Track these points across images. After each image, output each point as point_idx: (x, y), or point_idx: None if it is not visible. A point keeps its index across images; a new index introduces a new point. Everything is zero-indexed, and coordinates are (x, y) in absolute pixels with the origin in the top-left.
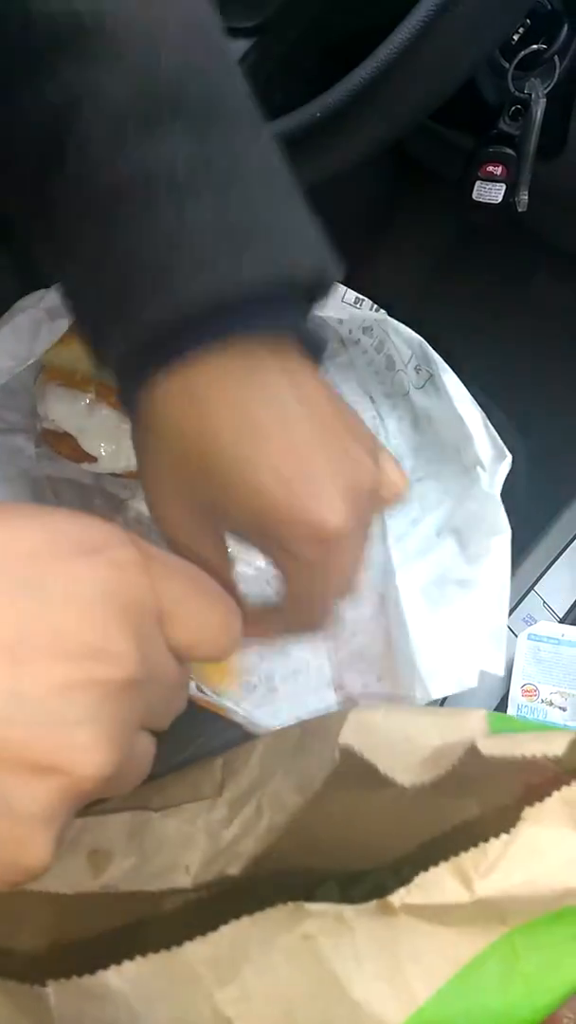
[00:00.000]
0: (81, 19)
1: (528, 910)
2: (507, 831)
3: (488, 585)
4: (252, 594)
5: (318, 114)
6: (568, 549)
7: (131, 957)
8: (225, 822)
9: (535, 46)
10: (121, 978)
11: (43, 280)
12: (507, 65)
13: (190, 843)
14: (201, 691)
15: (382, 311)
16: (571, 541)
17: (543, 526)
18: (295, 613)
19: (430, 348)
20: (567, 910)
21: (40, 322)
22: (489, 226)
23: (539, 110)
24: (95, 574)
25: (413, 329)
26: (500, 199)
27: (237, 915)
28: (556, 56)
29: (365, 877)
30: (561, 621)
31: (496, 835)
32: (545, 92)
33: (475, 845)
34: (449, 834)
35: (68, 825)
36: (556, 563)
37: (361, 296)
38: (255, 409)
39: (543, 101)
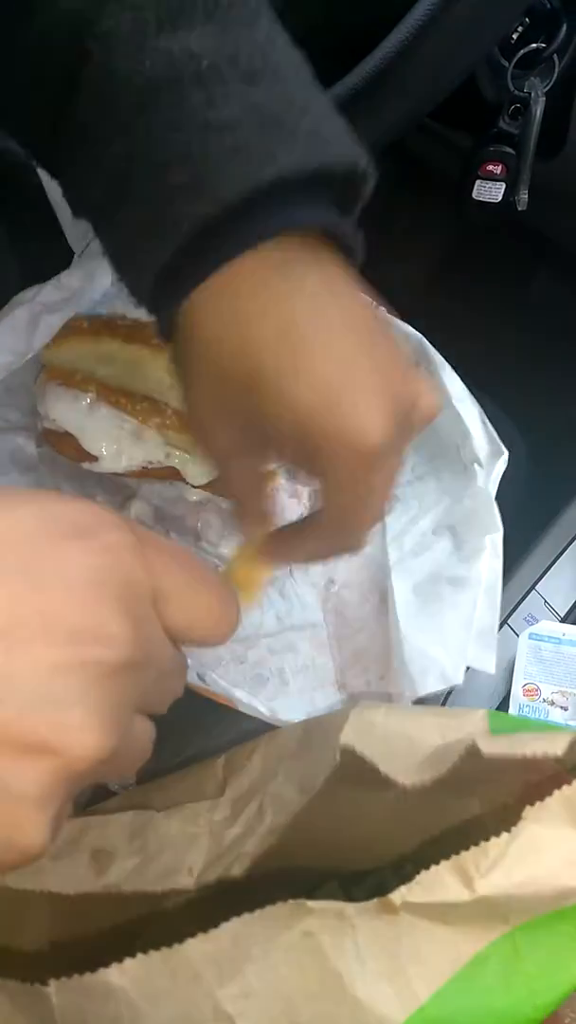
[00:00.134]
0: None
1: (529, 909)
2: (508, 830)
3: (480, 583)
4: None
5: None
6: (569, 548)
7: (132, 955)
8: (228, 822)
9: (534, 45)
10: (122, 976)
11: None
12: (506, 64)
13: (193, 844)
14: (203, 679)
15: (381, 308)
16: (572, 540)
17: (544, 525)
18: (333, 530)
19: (428, 345)
20: (568, 909)
21: (37, 317)
22: (489, 224)
23: (539, 109)
24: (87, 557)
25: (412, 326)
26: (500, 198)
27: (238, 913)
28: (555, 55)
29: (367, 876)
30: (562, 620)
31: (497, 834)
32: (544, 91)
33: (476, 844)
34: (450, 832)
35: (65, 808)
36: (557, 562)
37: None
38: (296, 317)
39: (542, 100)
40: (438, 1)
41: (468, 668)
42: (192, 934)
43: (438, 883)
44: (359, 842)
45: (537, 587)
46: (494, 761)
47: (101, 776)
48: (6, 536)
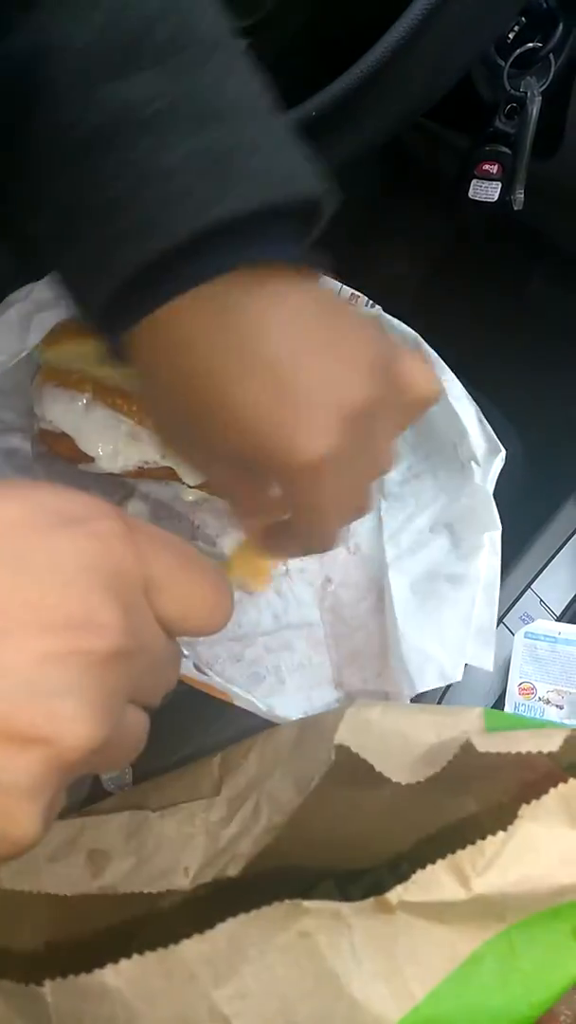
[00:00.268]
0: None
1: (525, 907)
2: (504, 828)
3: (478, 581)
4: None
5: (314, 112)
6: (565, 547)
7: (128, 955)
8: (224, 822)
9: (531, 44)
10: (118, 976)
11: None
12: (503, 63)
13: (189, 844)
14: (200, 670)
15: (378, 307)
16: (568, 539)
17: (540, 524)
18: (299, 534)
19: (425, 344)
20: (564, 906)
21: (30, 315)
22: (485, 224)
23: (535, 108)
24: (77, 545)
25: (408, 325)
26: (496, 197)
27: (234, 913)
28: (551, 54)
29: (363, 875)
30: (558, 619)
31: (493, 832)
32: (541, 90)
33: (472, 842)
34: (446, 831)
35: (58, 799)
36: (553, 561)
37: (357, 293)
38: (233, 345)
39: (539, 99)
40: (434, 1)
41: (466, 666)
42: (188, 934)
43: (434, 882)
44: (355, 841)
45: (533, 586)
46: (489, 759)
47: (94, 767)
48: None
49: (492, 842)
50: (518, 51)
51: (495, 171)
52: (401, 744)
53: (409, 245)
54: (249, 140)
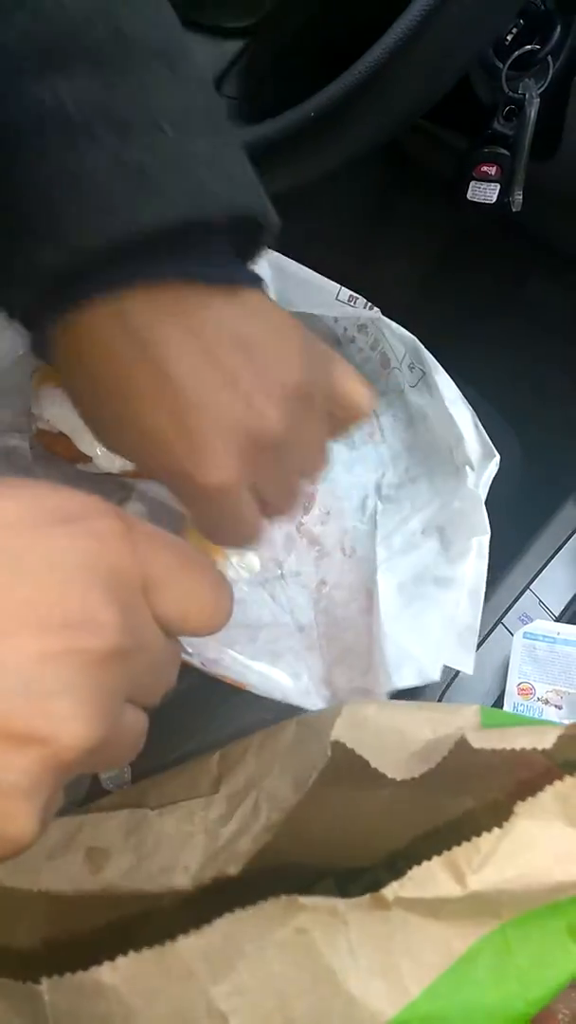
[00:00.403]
0: None
1: (521, 904)
2: (500, 825)
3: (464, 584)
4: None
5: (312, 113)
6: (563, 548)
7: (125, 953)
8: (223, 820)
9: (529, 46)
10: (115, 974)
11: None
12: (501, 65)
13: (188, 842)
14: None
15: (376, 309)
16: (566, 540)
17: (539, 524)
18: (207, 533)
19: (422, 347)
20: (560, 903)
21: None
22: (483, 226)
23: (533, 110)
24: (74, 543)
25: (407, 328)
26: (494, 199)
27: (231, 909)
28: (549, 56)
29: (362, 874)
30: (557, 620)
31: (489, 829)
32: (539, 92)
33: (468, 839)
34: (442, 828)
35: (55, 798)
36: (552, 561)
37: (356, 294)
38: (134, 370)
39: (537, 101)
40: (432, 2)
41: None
42: (185, 931)
43: (430, 878)
44: (353, 839)
45: (532, 586)
46: (484, 755)
47: (92, 766)
48: None
49: (488, 839)
50: (516, 53)
51: (493, 173)
52: (397, 740)
53: (408, 246)
54: (176, 153)
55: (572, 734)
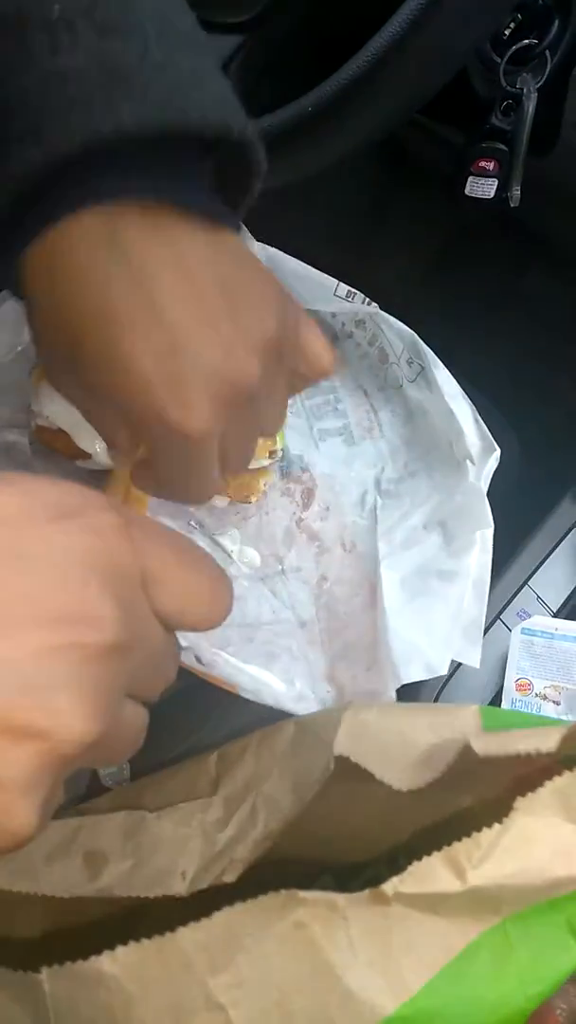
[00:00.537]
0: None
1: (521, 899)
2: (500, 821)
3: (469, 578)
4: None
5: (310, 108)
6: (562, 543)
7: (124, 942)
8: (221, 823)
9: (526, 41)
10: (114, 963)
11: None
12: (499, 60)
13: (186, 846)
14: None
15: (374, 304)
16: (565, 536)
17: (537, 520)
18: (166, 486)
19: (421, 342)
20: (560, 899)
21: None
22: (481, 221)
23: (531, 105)
24: (72, 538)
25: (405, 323)
26: (492, 194)
27: (231, 903)
28: (548, 51)
29: (361, 871)
30: (555, 615)
31: (489, 825)
32: (537, 87)
33: (468, 835)
34: (442, 824)
35: (55, 793)
36: (550, 557)
37: (354, 290)
38: (121, 292)
39: (535, 96)
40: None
41: (460, 663)
42: (185, 923)
43: (430, 874)
44: (353, 835)
45: (530, 582)
46: (487, 759)
47: (92, 761)
48: None
49: (487, 834)
50: (514, 47)
51: (491, 168)
52: (399, 747)
53: (406, 242)
54: (160, 59)
55: (572, 734)
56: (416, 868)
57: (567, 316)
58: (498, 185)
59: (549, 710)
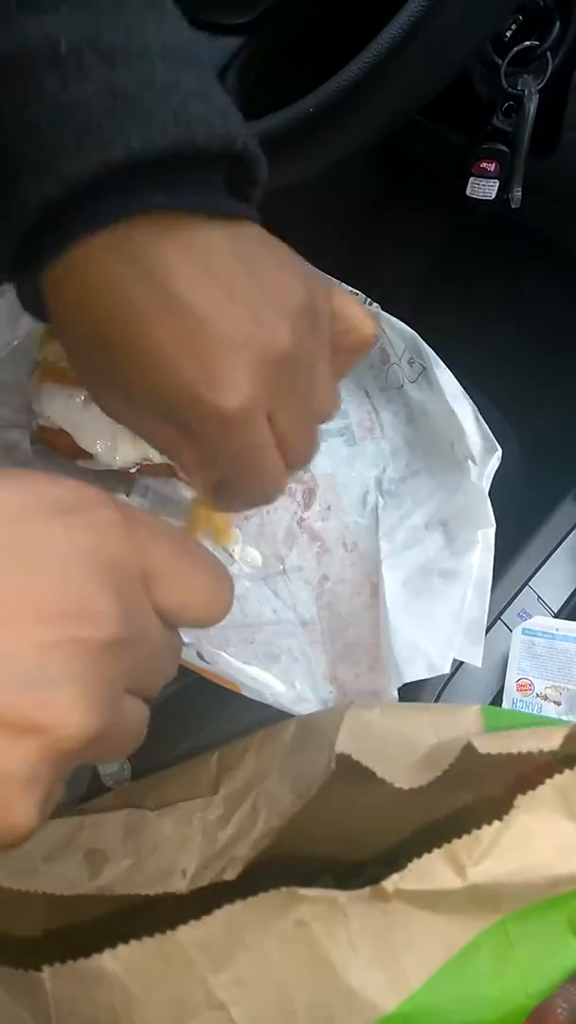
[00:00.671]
0: None
1: (521, 897)
2: (500, 818)
3: (470, 577)
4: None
5: (311, 110)
6: (562, 544)
7: (126, 940)
8: (221, 822)
9: (528, 42)
10: (116, 962)
11: None
12: (500, 61)
13: (187, 844)
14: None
15: (375, 305)
16: (565, 536)
17: (537, 521)
18: (233, 487)
19: (422, 342)
20: (560, 897)
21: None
22: (482, 222)
23: (532, 106)
24: (73, 534)
25: (407, 323)
26: (494, 195)
27: (232, 901)
28: (549, 52)
29: (362, 869)
30: (556, 616)
31: (489, 822)
32: (538, 88)
33: (468, 832)
34: (442, 821)
35: (55, 789)
36: (551, 558)
37: (355, 290)
38: (139, 294)
39: (536, 97)
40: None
41: (461, 663)
42: (186, 921)
43: (430, 871)
44: (353, 834)
45: (531, 583)
46: (490, 759)
47: (92, 757)
48: None
49: (488, 832)
50: (515, 49)
51: (492, 169)
52: (402, 746)
53: (407, 243)
54: (164, 81)
55: (573, 734)
56: (416, 865)
57: (568, 316)
58: (499, 186)
59: (550, 710)
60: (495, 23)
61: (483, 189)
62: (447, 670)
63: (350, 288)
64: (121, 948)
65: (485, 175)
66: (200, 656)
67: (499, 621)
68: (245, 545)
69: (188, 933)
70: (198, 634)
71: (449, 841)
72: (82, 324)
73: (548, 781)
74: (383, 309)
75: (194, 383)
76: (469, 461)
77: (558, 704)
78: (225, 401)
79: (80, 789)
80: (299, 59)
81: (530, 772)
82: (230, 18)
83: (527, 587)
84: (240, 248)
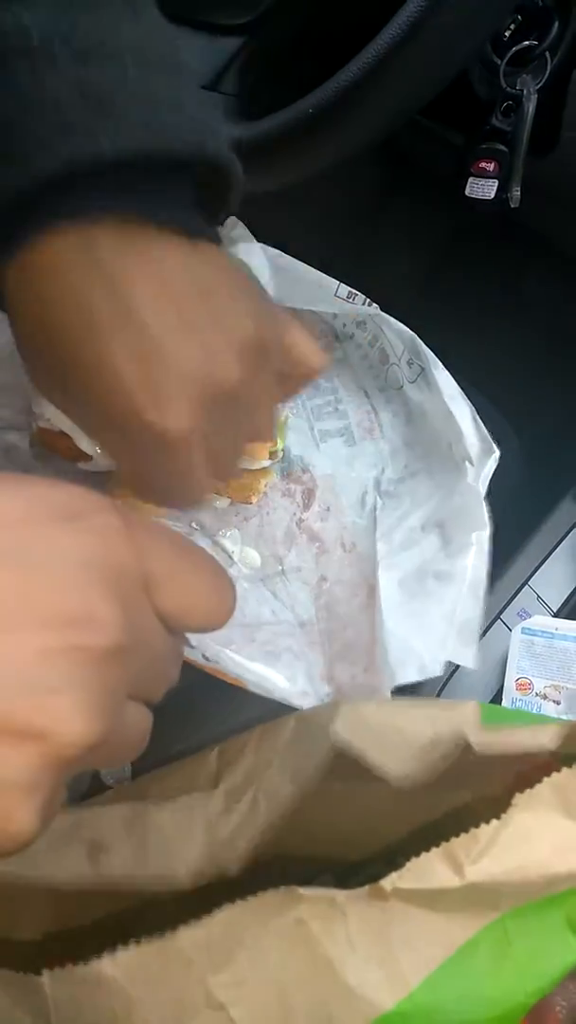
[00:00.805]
0: None
1: (519, 895)
2: (498, 817)
3: (465, 579)
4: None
5: (311, 110)
6: (562, 544)
7: (125, 944)
8: (222, 816)
9: (527, 42)
10: (115, 965)
11: None
12: (499, 61)
13: (188, 837)
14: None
15: (375, 305)
16: (565, 536)
17: (537, 521)
18: (160, 491)
19: (421, 343)
20: (558, 895)
21: None
22: (481, 222)
23: (531, 106)
24: (75, 540)
25: (405, 324)
26: (493, 195)
27: (231, 900)
28: (547, 52)
29: (360, 869)
30: (555, 615)
31: (487, 821)
32: (537, 88)
33: (466, 831)
34: (440, 820)
35: (57, 795)
36: (550, 557)
37: (354, 291)
38: (98, 302)
39: (535, 97)
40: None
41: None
42: (185, 922)
43: (428, 870)
44: (352, 831)
45: (530, 582)
46: (486, 756)
47: (94, 763)
48: None
49: (486, 830)
50: (514, 49)
51: (491, 169)
52: (398, 739)
53: (406, 243)
54: (136, 84)
55: (571, 732)
56: (414, 864)
57: (567, 317)
58: (498, 186)
59: (549, 709)
60: (494, 23)
61: (482, 189)
62: (439, 672)
63: (349, 288)
64: (120, 952)
65: (484, 175)
66: (205, 657)
67: (498, 620)
68: (244, 546)
69: (187, 934)
70: (200, 636)
71: (447, 840)
72: (37, 324)
73: (546, 779)
74: (382, 309)
75: (139, 405)
76: (466, 462)
77: (557, 703)
78: (167, 424)
79: (81, 788)
80: (299, 59)
81: (528, 770)
82: (230, 18)
83: (526, 586)
84: (197, 273)
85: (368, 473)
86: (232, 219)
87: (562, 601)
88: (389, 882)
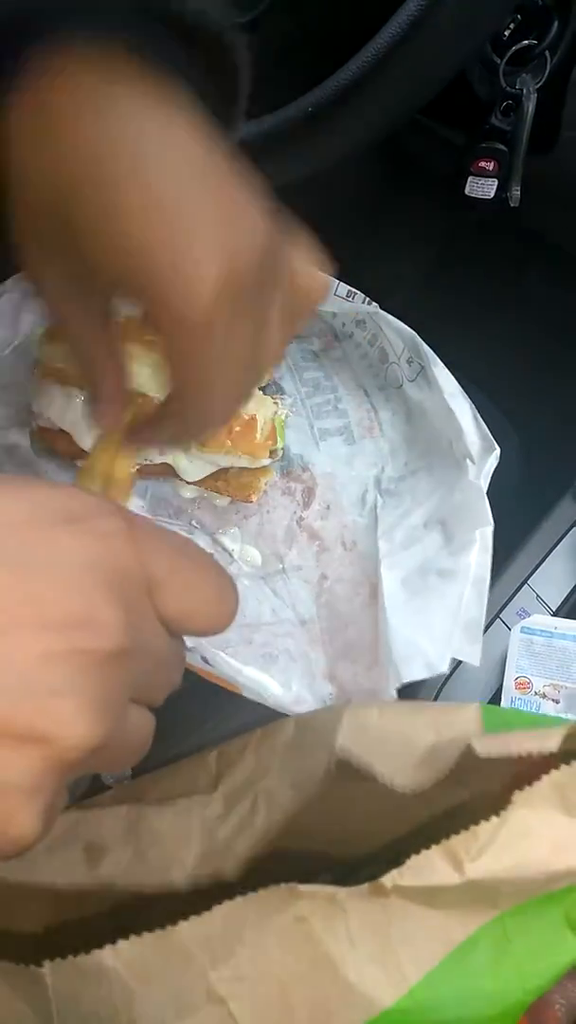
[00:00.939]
0: None
1: (519, 892)
2: (498, 814)
3: (468, 576)
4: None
5: (310, 109)
6: (561, 543)
7: (126, 936)
8: (220, 819)
9: (526, 41)
10: (116, 957)
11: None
12: (499, 61)
13: (186, 839)
14: (207, 663)
15: (374, 304)
16: (564, 535)
17: (536, 520)
18: (176, 409)
19: (421, 341)
20: (557, 892)
21: (20, 304)
22: (481, 221)
23: (531, 105)
24: (78, 543)
25: (405, 322)
26: (492, 194)
27: (231, 896)
28: (547, 51)
29: (360, 866)
30: (554, 614)
31: (487, 818)
32: (536, 87)
33: (466, 828)
34: (440, 818)
35: (58, 798)
36: (549, 556)
37: (354, 290)
38: (117, 146)
39: (534, 96)
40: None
41: (460, 662)
42: (186, 917)
43: (428, 867)
44: (352, 833)
45: (529, 581)
46: (489, 761)
47: (96, 766)
48: None
49: (486, 828)
50: (514, 48)
51: (491, 168)
52: (401, 747)
53: (406, 242)
54: None
55: (573, 733)
56: (414, 861)
57: (567, 315)
58: (498, 185)
59: (548, 708)
60: (494, 22)
61: (482, 188)
62: (445, 669)
63: (349, 287)
64: (121, 944)
65: (484, 174)
66: (204, 660)
67: (498, 619)
68: (244, 544)
69: (188, 929)
70: (194, 642)
71: (447, 837)
72: (40, 179)
73: (545, 777)
74: (381, 307)
75: (173, 274)
76: (467, 460)
77: (556, 702)
78: (194, 290)
79: (80, 788)
80: (298, 58)
81: (528, 768)
82: (230, 17)
83: (526, 585)
84: (212, 151)
85: (368, 471)
86: None
87: (561, 600)
88: (389, 879)
